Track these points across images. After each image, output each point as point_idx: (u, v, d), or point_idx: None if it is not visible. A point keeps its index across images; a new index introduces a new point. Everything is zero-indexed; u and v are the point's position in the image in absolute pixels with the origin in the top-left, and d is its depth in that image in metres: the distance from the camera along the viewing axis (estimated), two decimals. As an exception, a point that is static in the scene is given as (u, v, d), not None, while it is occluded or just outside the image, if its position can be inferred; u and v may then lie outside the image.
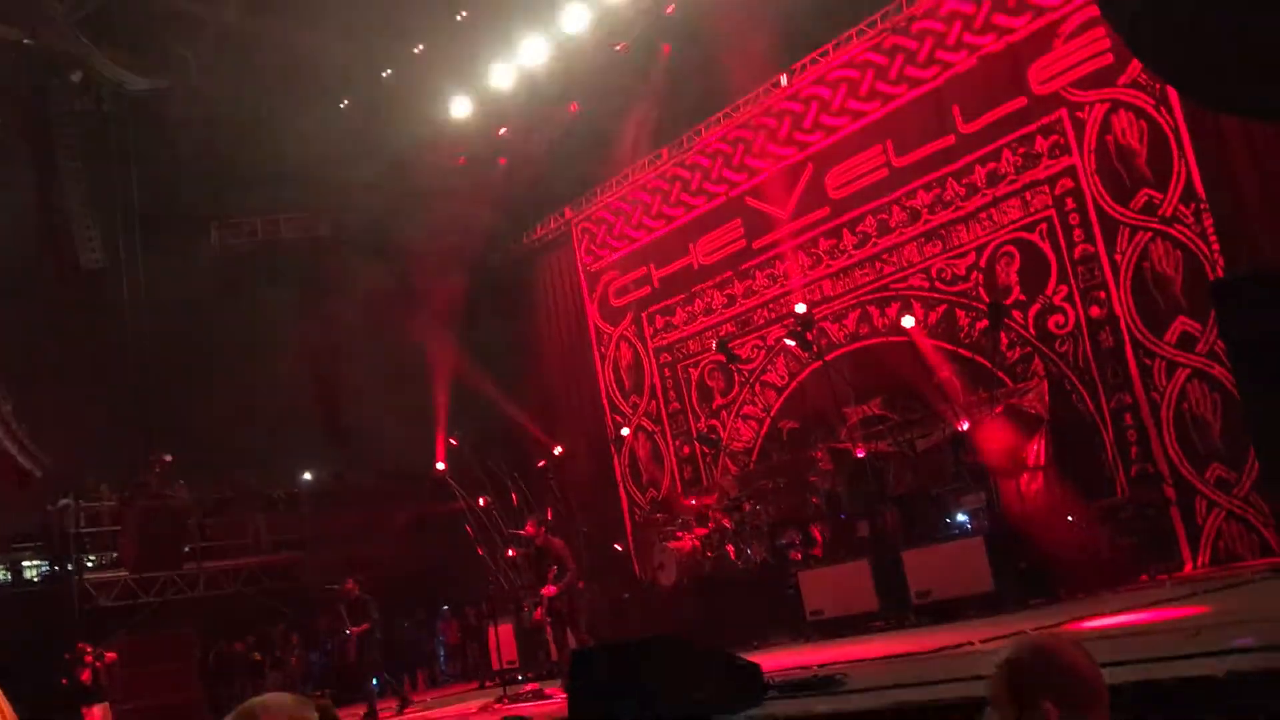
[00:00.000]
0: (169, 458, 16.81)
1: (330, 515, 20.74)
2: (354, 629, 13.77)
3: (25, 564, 18.39)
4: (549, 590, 11.31)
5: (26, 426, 16.46)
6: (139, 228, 18.68)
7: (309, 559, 19.64)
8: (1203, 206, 11.30)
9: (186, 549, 18.02)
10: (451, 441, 16.60)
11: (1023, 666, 2.07)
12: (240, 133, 18.42)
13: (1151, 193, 11.71)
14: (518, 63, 17.09)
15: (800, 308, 14.21)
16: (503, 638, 13.90)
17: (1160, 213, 11.62)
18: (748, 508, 13.71)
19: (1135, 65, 11.28)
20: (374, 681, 13.95)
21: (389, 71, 18.54)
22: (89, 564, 18.00)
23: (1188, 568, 11.05)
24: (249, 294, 19.57)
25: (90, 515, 18.10)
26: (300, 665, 18.73)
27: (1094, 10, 11.15)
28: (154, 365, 18.14)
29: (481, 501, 15.98)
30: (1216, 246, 11.19)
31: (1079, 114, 12.32)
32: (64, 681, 11.33)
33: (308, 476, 21.85)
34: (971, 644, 7.63)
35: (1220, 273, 11.00)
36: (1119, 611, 8.16)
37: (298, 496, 20.86)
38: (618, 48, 16.23)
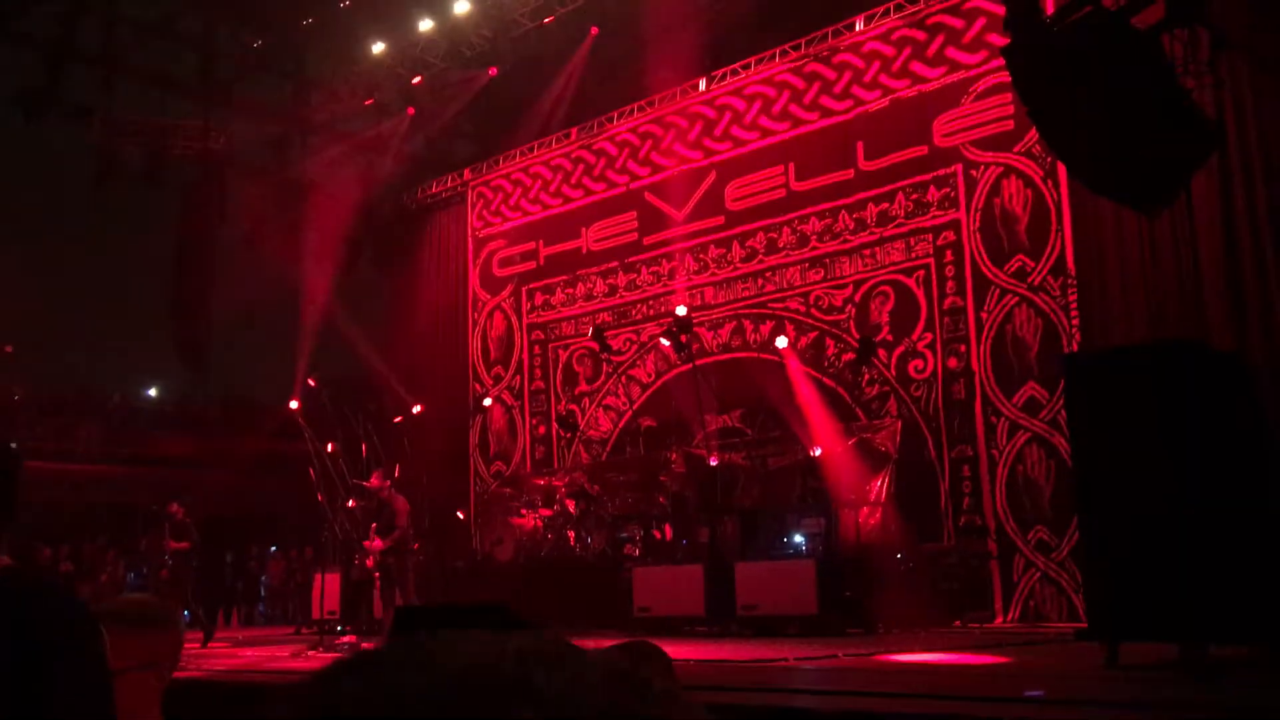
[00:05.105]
0: (9, 349, 16.10)
1: (170, 436, 20.17)
2: (172, 544, 13.43)
3: None
4: (376, 544, 11.36)
5: None
6: (21, 109, 17.77)
7: (141, 476, 19.07)
8: (1070, 281, 11.86)
9: (13, 445, 17.28)
10: (310, 382, 16.26)
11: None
12: (145, 34, 17.72)
13: (1025, 259, 12.24)
14: (445, 16, 16.88)
15: (680, 309, 14.36)
16: (328, 587, 13.70)
17: (1030, 280, 12.16)
18: (595, 494, 13.84)
19: (1032, 135, 11.76)
20: (184, 611, 13.58)
21: (310, 20, 18.04)
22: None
23: (998, 620, 11.60)
24: (127, 194, 18.84)
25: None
26: (110, 582, 18.15)
27: (1006, 75, 11.59)
28: (15, 250, 17.34)
29: (330, 447, 15.70)
30: (1076, 321, 11.76)
31: (973, 172, 12.79)
32: None
33: (152, 392, 21.18)
34: (785, 660, 7.90)
35: (1075, 346, 11.59)
36: (929, 650, 8.53)
37: (139, 411, 20.21)
38: (546, 20, 16.17)
